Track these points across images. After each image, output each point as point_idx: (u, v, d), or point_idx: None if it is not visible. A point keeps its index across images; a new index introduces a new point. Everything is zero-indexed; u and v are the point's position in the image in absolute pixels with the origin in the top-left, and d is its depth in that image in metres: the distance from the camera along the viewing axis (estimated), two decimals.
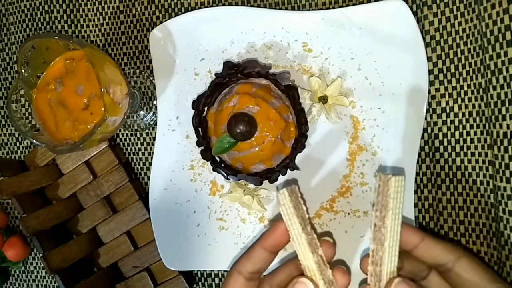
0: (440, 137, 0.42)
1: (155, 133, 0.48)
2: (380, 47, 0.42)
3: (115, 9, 0.51)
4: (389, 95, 0.43)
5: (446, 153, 0.41)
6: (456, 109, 0.41)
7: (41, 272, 0.56)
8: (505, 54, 0.35)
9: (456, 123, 0.41)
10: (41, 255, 0.47)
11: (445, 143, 0.41)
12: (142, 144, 0.51)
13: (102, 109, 0.38)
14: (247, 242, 0.47)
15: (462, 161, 0.41)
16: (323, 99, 0.44)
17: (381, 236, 0.33)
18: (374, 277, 0.33)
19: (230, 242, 0.47)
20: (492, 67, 0.37)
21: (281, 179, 0.45)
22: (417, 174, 0.43)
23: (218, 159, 0.45)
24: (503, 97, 0.36)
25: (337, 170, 0.44)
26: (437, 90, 0.41)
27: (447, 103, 0.41)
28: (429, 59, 0.41)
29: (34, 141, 0.40)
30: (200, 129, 0.45)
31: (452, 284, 0.34)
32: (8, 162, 0.54)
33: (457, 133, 0.41)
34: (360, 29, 0.43)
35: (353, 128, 0.44)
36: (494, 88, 0.37)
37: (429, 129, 0.42)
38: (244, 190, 0.46)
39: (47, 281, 0.55)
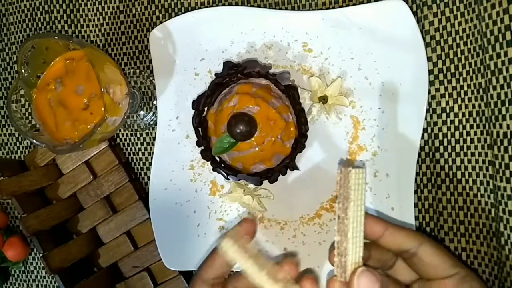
0: (440, 137, 0.42)
1: (155, 133, 0.48)
2: (380, 47, 0.42)
3: (115, 9, 0.51)
4: (389, 95, 0.43)
5: (446, 153, 0.41)
6: (456, 109, 0.41)
7: (41, 272, 0.56)
8: (505, 54, 0.35)
9: (456, 123, 0.41)
10: (41, 255, 0.47)
11: (445, 143, 0.41)
12: (142, 144, 0.51)
13: (102, 109, 0.38)
14: None
15: (462, 161, 0.41)
16: (323, 99, 0.44)
17: (344, 227, 0.33)
18: (340, 268, 0.33)
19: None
20: (492, 67, 0.37)
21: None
22: (417, 174, 0.43)
23: (218, 159, 0.45)
24: (503, 97, 0.36)
25: (337, 170, 0.44)
26: (437, 90, 0.41)
27: (447, 103, 0.41)
28: (429, 59, 0.41)
29: (34, 141, 0.40)
30: (200, 129, 0.45)
31: (416, 270, 0.36)
32: (8, 162, 0.54)
33: (457, 133, 0.41)
34: (360, 29, 0.43)
35: (353, 128, 0.44)
36: (494, 88, 0.37)
37: (429, 129, 0.42)
38: (244, 190, 0.46)
39: (47, 281, 0.55)
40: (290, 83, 0.44)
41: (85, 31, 0.52)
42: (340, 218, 0.33)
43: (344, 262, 0.33)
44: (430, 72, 0.41)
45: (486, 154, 0.39)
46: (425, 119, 0.42)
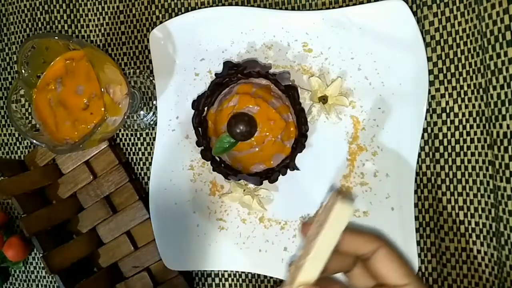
0: (440, 137, 0.42)
1: (155, 133, 0.48)
2: (380, 47, 0.42)
3: (115, 9, 0.51)
4: (389, 95, 0.43)
5: (446, 153, 0.41)
6: (456, 109, 0.41)
7: (41, 272, 0.56)
8: (505, 54, 0.35)
9: (456, 123, 0.41)
10: (41, 255, 0.47)
11: (445, 143, 0.41)
12: (142, 144, 0.51)
13: (102, 109, 0.38)
14: (247, 242, 0.47)
15: (462, 161, 0.41)
16: (323, 99, 0.44)
17: (309, 247, 0.32)
18: (290, 278, 0.32)
19: (230, 242, 0.47)
20: (492, 67, 0.37)
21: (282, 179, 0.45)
22: (417, 174, 0.43)
23: (218, 159, 0.45)
24: (503, 97, 0.36)
25: (337, 170, 0.44)
26: (437, 90, 0.41)
27: (447, 103, 0.41)
28: (429, 59, 0.41)
29: (34, 141, 0.40)
30: (200, 129, 0.45)
31: (371, 274, 0.35)
32: (8, 162, 0.54)
33: (457, 133, 0.41)
34: (360, 29, 0.43)
35: (353, 128, 0.44)
36: (494, 88, 0.37)
37: (429, 129, 0.42)
38: (244, 190, 0.46)
39: (47, 281, 0.55)
40: (290, 83, 0.44)
41: (85, 31, 0.52)
42: (309, 237, 0.32)
43: (295, 277, 0.31)
44: (430, 72, 0.41)
45: (486, 154, 0.39)
46: (425, 119, 0.42)
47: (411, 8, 0.41)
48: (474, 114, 0.40)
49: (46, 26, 0.53)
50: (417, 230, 0.43)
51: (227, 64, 0.44)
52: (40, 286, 0.56)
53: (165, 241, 0.48)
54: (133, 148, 0.51)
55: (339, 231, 0.31)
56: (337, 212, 0.31)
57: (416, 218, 0.43)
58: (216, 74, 0.44)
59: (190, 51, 0.47)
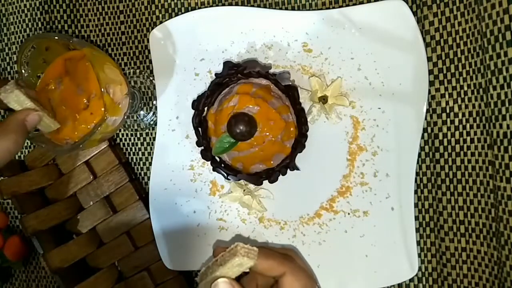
0: (440, 137, 0.42)
1: (155, 133, 0.48)
2: (380, 47, 0.42)
3: (115, 9, 0.51)
4: (389, 95, 0.43)
5: (446, 153, 0.41)
6: (456, 109, 0.41)
7: (41, 272, 0.56)
8: (505, 54, 0.35)
9: (456, 123, 0.41)
10: (41, 255, 0.47)
11: (445, 143, 0.41)
12: (142, 144, 0.51)
13: (102, 109, 0.38)
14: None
15: (462, 161, 0.41)
16: (323, 99, 0.44)
17: (214, 269, 0.34)
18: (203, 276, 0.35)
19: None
20: (492, 67, 0.37)
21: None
22: (417, 174, 0.43)
23: (218, 159, 0.45)
24: (503, 97, 0.36)
25: (337, 170, 0.44)
26: (437, 90, 0.41)
27: (447, 103, 0.41)
28: (429, 59, 0.41)
29: (34, 141, 0.40)
30: (200, 129, 0.45)
31: None
32: (8, 162, 0.53)
33: (457, 133, 0.41)
34: (360, 29, 0.43)
35: (353, 128, 0.44)
36: (494, 88, 0.37)
37: (429, 129, 0.42)
38: (244, 190, 0.46)
39: (47, 281, 0.55)
40: (290, 83, 0.44)
41: (85, 31, 0.52)
42: (214, 263, 0.34)
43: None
44: (430, 72, 0.41)
45: (486, 154, 0.39)
46: (425, 119, 0.42)
47: (411, 8, 0.41)
48: (474, 114, 0.40)
49: (46, 26, 0.53)
50: (417, 230, 0.43)
51: (227, 64, 0.44)
52: (40, 286, 0.56)
53: (165, 241, 0.48)
54: (133, 148, 0.51)
55: (235, 274, 0.34)
56: (233, 263, 0.33)
57: (416, 218, 0.43)
58: (216, 74, 0.44)
59: (190, 51, 0.47)
